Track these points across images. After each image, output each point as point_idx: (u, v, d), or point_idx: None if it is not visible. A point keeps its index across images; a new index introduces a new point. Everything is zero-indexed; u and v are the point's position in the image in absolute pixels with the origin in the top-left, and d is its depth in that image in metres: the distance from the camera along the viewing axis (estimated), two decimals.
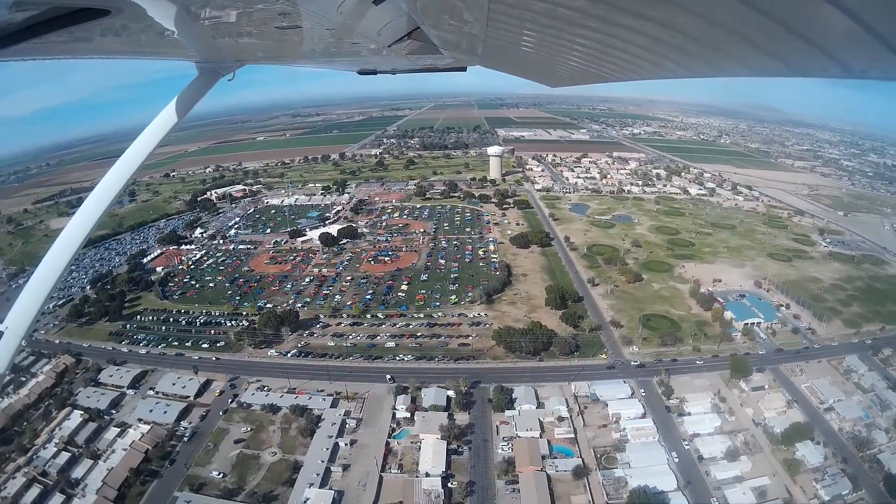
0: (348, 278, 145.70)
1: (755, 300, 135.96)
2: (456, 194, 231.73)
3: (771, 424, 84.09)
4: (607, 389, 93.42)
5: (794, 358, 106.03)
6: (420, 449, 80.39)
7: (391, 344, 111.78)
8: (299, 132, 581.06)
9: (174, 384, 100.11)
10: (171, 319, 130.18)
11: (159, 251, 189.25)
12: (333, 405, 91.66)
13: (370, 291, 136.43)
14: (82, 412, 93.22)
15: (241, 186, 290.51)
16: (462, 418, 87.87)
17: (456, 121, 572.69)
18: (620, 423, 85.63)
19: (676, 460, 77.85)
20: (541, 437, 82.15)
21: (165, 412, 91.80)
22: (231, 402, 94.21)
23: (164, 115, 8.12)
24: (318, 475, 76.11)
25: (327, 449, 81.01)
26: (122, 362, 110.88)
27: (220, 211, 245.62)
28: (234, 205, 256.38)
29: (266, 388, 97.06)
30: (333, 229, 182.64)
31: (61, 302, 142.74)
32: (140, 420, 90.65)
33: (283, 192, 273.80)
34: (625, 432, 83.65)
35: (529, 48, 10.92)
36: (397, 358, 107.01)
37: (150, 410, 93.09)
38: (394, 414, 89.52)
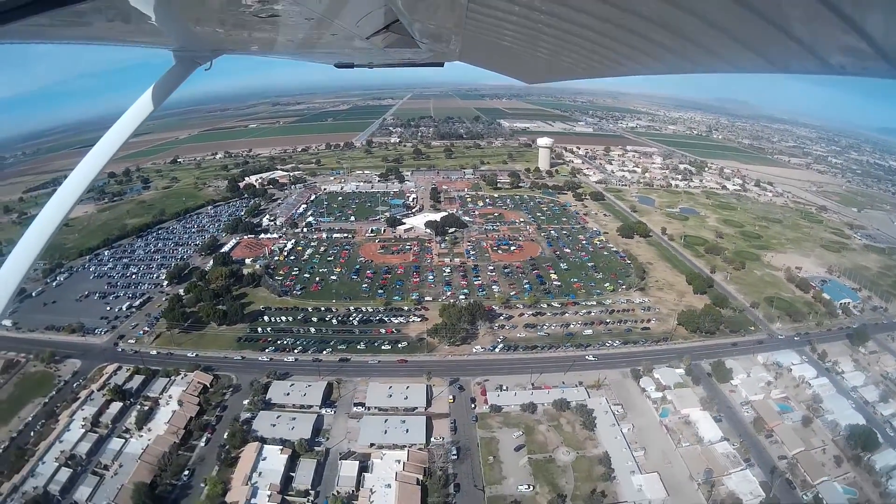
0: (490, 268, 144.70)
1: (836, 283, 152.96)
2: (523, 185, 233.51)
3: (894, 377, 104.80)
4: (785, 358, 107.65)
5: (886, 329, 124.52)
6: (689, 422, 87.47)
7: (588, 331, 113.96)
8: (291, 120, 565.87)
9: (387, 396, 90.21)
10: (309, 319, 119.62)
11: (235, 241, 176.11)
12: (587, 395, 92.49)
13: (525, 281, 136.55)
14: (281, 447, 79.26)
15: (281, 172, 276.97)
16: (698, 391, 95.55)
17: (447, 111, 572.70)
18: (806, 382, 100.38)
19: (853, 406, 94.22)
20: (768, 399, 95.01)
21: (408, 431, 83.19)
22: (476, 407, 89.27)
23: (141, 103, 8.19)
24: (630, 462, 77.64)
25: (617, 437, 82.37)
26: (283, 374, 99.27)
27: (276, 198, 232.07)
28: (284, 191, 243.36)
29: (502, 387, 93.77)
30: (435, 217, 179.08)
31: (138, 302, 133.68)
32: (395, 445, 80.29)
33: (331, 178, 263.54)
34: (813, 389, 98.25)
35: (507, 43, 10.99)
36: (607, 344, 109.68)
37: (386, 432, 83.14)
38: (647, 395, 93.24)
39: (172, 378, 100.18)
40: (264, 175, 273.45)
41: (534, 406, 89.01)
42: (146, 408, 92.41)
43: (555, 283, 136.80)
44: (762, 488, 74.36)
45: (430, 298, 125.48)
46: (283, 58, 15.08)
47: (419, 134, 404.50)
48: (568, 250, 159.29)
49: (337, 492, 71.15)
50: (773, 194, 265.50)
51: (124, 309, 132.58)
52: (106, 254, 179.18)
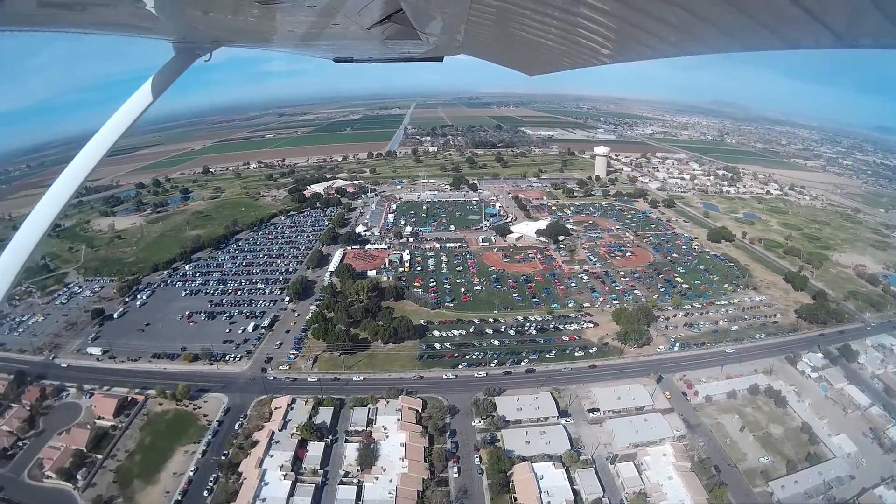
0: (621, 274, 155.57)
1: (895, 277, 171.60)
2: (595, 192, 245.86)
3: None
4: (886, 340, 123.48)
5: None
6: (844, 394, 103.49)
7: (734, 327, 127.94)
8: (306, 130, 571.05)
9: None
10: (483, 331, 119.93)
11: (341, 252, 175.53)
12: (767, 380, 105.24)
13: (660, 286, 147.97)
14: (552, 462, 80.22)
15: (342, 181, 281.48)
16: (840, 370, 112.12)
17: (462, 119, 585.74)
18: None
19: None
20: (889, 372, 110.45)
21: (653, 428, 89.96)
22: (690, 400, 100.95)
23: (140, 94, 8.22)
24: (824, 428, 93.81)
25: (805, 410, 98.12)
26: (498, 390, 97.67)
27: (353, 207, 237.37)
28: (358, 200, 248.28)
29: (702, 381, 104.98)
30: (539, 225, 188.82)
31: (266, 322, 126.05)
32: None
33: (398, 186, 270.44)
34: None
35: (512, 33, 10.92)
36: (756, 337, 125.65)
37: (637, 431, 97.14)
38: (806, 376, 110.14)
39: (369, 406, 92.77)
40: (326, 184, 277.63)
41: (735, 393, 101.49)
42: (357, 443, 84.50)
43: (683, 285, 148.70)
44: None
45: (588, 304, 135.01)
46: (283, 51, 14.73)
47: (451, 142, 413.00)
48: (676, 255, 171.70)
49: (627, 495, 78.43)
50: (810, 198, 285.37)
51: (251, 330, 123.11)
52: (187, 268, 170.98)
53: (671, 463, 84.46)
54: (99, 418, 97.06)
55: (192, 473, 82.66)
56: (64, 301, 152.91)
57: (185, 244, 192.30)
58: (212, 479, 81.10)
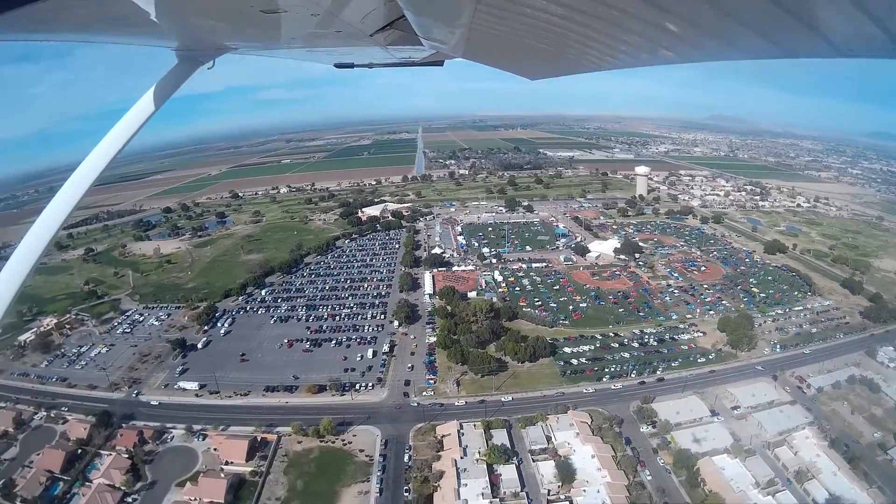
0: (705, 286, 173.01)
1: None
2: (646, 212, 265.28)
3: None
4: None
5: None
6: None
7: (814, 329, 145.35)
8: (322, 155, 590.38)
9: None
10: (608, 345, 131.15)
11: (429, 275, 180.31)
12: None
13: (742, 296, 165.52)
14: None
15: (394, 206, 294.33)
16: None
17: (476, 142, 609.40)
18: None
19: None
20: None
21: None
22: (806, 393, 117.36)
23: (143, 102, 8.32)
24: None
25: None
26: (650, 398, 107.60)
27: (417, 230, 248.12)
28: (418, 223, 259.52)
29: (809, 376, 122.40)
30: (613, 244, 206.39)
31: (385, 348, 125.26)
32: None
33: (451, 209, 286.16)
34: None
35: (514, 37, 11.03)
36: (837, 336, 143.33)
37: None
38: None
39: (540, 424, 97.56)
40: (378, 207, 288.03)
41: (839, 383, 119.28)
42: (548, 461, 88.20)
43: (760, 295, 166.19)
44: None
45: (690, 316, 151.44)
46: (285, 57, 15.17)
47: (478, 165, 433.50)
48: (743, 268, 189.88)
49: (790, 474, 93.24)
50: (836, 209, 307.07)
51: (370, 357, 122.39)
52: (263, 293, 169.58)
53: (814, 444, 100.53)
54: (226, 463, 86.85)
55: None
56: (127, 330, 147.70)
57: (247, 269, 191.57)
58: None
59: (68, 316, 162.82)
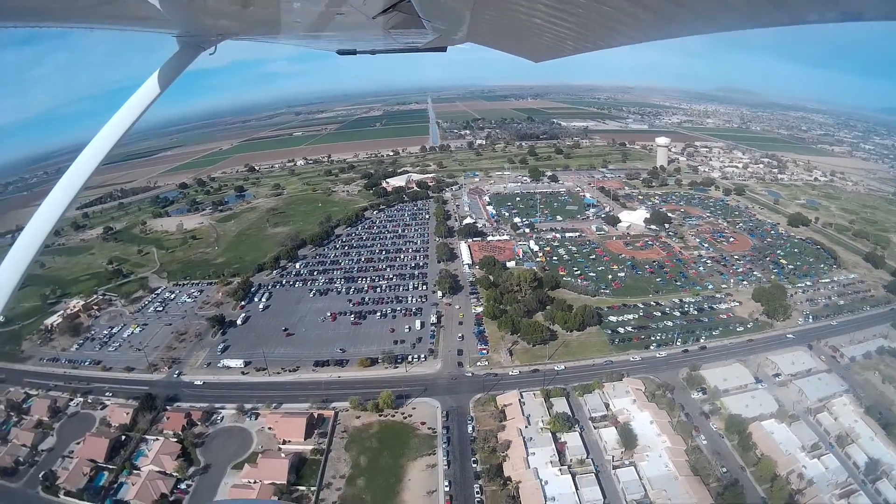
0: (735, 257, 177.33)
1: None
2: (668, 182, 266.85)
3: None
4: None
5: None
6: None
7: (841, 301, 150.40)
8: (334, 126, 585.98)
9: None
10: (651, 314, 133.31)
11: (466, 245, 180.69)
12: None
13: (772, 267, 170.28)
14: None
15: (418, 176, 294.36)
16: None
17: (486, 112, 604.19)
18: None
19: None
20: None
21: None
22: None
23: (145, 88, 8.38)
24: None
25: None
26: (697, 366, 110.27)
27: (445, 200, 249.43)
28: (445, 193, 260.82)
29: (842, 345, 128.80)
30: (643, 214, 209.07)
31: (432, 319, 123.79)
32: None
33: (475, 179, 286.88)
34: None
35: (516, 19, 10.99)
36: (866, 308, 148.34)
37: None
38: None
39: (597, 392, 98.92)
40: (402, 178, 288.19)
41: (870, 354, 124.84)
42: (610, 428, 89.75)
43: (788, 266, 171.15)
44: None
45: (725, 286, 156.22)
46: (287, 43, 15.10)
47: (494, 135, 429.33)
48: (770, 240, 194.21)
49: (832, 439, 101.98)
50: (852, 183, 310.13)
51: (418, 328, 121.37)
52: (297, 266, 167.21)
53: (851, 411, 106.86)
54: (284, 442, 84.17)
55: (447, 488, 75.89)
56: (159, 309, 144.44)
57: (277, 242, 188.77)
58: (476, 488, 75.70)
59: (95, 297, 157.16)
